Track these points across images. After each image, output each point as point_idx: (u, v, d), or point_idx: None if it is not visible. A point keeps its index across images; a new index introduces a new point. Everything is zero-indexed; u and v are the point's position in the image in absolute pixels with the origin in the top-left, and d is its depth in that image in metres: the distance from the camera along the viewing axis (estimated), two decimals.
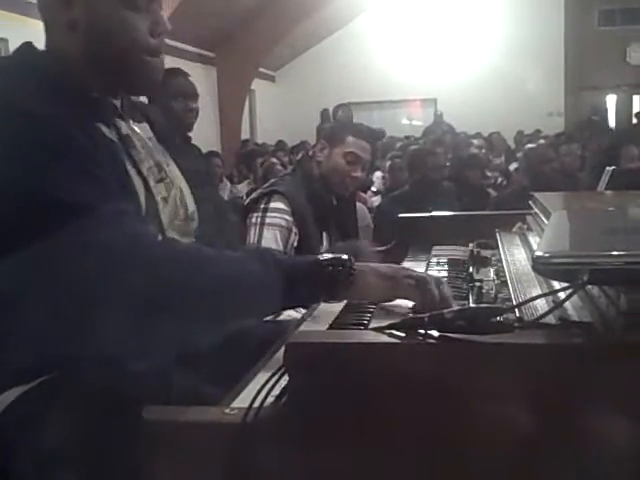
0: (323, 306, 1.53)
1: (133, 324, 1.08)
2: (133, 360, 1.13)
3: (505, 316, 1.16)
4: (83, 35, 1.29)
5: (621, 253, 0.93)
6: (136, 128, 1.40)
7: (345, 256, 1.29)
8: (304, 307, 1.55)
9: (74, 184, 1.13)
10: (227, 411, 1.02)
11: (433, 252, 2.08)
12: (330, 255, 1.29)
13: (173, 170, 1.44)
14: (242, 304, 1.19)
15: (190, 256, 1.20)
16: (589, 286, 1.07)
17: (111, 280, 1.08)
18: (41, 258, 1.07)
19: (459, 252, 2.05)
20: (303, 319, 1.50)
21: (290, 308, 1.51)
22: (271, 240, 2.65)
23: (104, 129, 1.29)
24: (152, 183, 1.33)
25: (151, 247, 1.17)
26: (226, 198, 6.13)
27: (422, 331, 0.99)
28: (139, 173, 1.30)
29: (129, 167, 1.29)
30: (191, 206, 1.44)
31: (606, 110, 14.50)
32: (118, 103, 1.37)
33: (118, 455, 1.13)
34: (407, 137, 10.54)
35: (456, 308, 1.01)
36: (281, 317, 1.58)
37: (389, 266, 1.37)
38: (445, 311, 0.99)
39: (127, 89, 1.38)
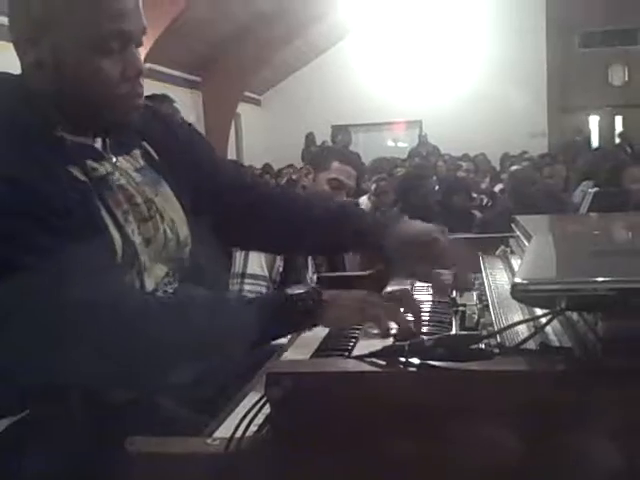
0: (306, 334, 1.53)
1: (112, 373, 1.09)
2: (115, 394, 1.13)
3: (486, 342, 1.17)
4: (51, 77, 1.24)
5: (599, 279, 0.93)
6: (123, 162, 1.35)
7: (312, 288, 1.30)
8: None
9: (36, 243, 1.10)
10: (209, 441, 1.02)
11: None
12: (299, 290, 1.29)
13: (165, 197, 1.40)
14: (213, 350, 1.19)
15: (150, 313, 1.19)
16: (569, 312, 1.08)
17: (87, 337, 1.07)
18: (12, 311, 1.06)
19: (444, 276, 2.05)
20: (288, 345, 1.50)
21: (265, 344, 1.51)
22: (256, 265, 2.64)
23: (76, 172, 1.23)
24: (132, 227, 1.28)
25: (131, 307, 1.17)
26: None
27: (402, 359, 0.99)
28: (113, 218, 1.25)
29: (103, 212, 1.24)
30: (183, 233, 1.41)
31: (589, 131, 14.62)
32: (97, 142, 1.33)
33: None
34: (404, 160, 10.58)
35: (436, 336, 1.01)
36: None
37: (357, 292, 1.36)
38: (425, 339, 1.00)
39: (99, 131, 1.32)
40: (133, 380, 1.13)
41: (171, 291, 1.35)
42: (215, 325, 1.20)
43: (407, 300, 1.37)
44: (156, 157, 1.43)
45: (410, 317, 1.32)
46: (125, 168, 1.34)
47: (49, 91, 1.25)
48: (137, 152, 1.40)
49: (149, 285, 1.29)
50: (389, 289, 1.96)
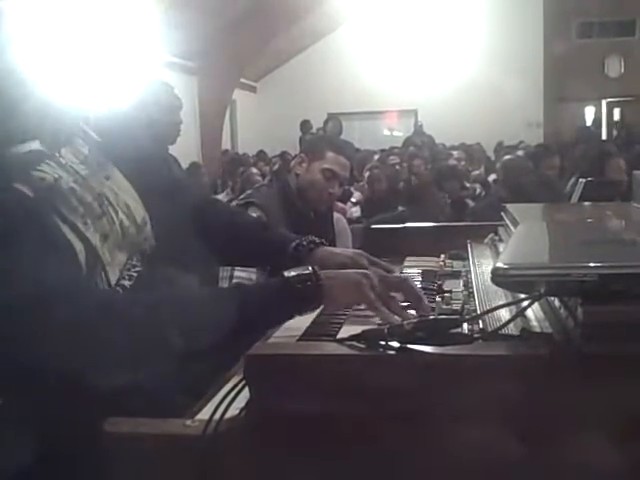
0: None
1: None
2: (95, 373, 1.13)
3: (469, 327, 1.17)
4: None
5: (578, 265, 0.93)
6: (66, 155, 1.28)
7: (310, 269, 1.30)
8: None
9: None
10: (188, 423, 1.02)
11: (406, 263, 2.09)
12: (296, 271, 1.29)
13: (116, 180, 1.37)
14: (202, 338, 1.18)
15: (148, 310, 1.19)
16: (551, 297, 1.08)
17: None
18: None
19: (432, 263, 2.05)
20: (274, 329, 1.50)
21: (264, 331, 1.51)
22: None
23: (21, 188, 1.15)
24: (89, 228, 1.23)
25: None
26: None
27: (382, 342, 0.99)
28: (72, 226, 1.20)
29: (58, 222, 1.18)
30: (140, 215, 1.39)
31: (600, 119, 14.58)
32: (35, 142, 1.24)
33: (80, 469, 1.13)
34: (382, 150, 10.57)
35: (415, 319, 1.01)
36: None
37: (357, 272, 1.36)
38: (405, 322, 1.00)
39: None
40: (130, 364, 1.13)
41: (135, 274, 1.34)
42: (213, 312, 1.20)
43: (407, 287, 1.38)
44: (99, 139, 1.39)
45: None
46: (70, 162, 1.28)
47: None
48: (79, 140, 1.34)
49: (112, 277, 1.27)
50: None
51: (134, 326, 1.13)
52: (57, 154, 1.26)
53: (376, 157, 8.23)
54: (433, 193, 4.95)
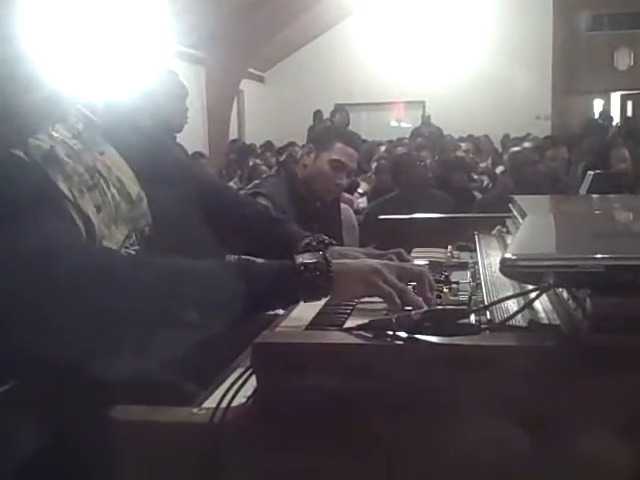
0: (304, 305, 1.53)
1: (76, 328, 1.08)
2: (103, 359, 1.13)
3: (477, 318, 1.17)
4: None
5: (587, 256, 0.93)
6: (59, 130, 1.30)
7: (322, 257, 1.29)
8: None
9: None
10: (195, 411, 1.02)
11: (413, 254, 2.08)
12: (308, 258, 1.29)
13: (110, 157, 1.38)
14: (205, 310, 1.18)
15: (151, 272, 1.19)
16: (560, 289, 1.08)
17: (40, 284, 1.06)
18: None
19: (439, 254, 2.05)
20: (283, 317, 1.51)
21: (266, 311, 1.50)
22: None
23: (19, 153, 1.19)
24: (82, 196, 1.26)
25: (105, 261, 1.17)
26: None
27: (390, 332, 0.99)
28: (63, 193, 1.22)
29: (57, 185, 1.21)
30: (134, 190, 1.40)
31: (608, 112, 14.48)
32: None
33: (87, 455, 1.13)
34: (390, 141, 10.53)
35: (423, 310, 1.01)
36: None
37: (368, 264, 1.34)
38: (413, 312, 1.00)
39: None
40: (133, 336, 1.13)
41: (134, 253, 1.34)
42: (217, 286, 1.20)
43: (422, 280, 1.35)
44: (98, 122, 1.40)
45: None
46: (62, 137, 1.30)
47: None
48: (73, 118, 1.36)
49: None
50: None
51: (135, 292, 1.12)
52: (50, 129, 1.28)
53: (382, 148, 8.19)
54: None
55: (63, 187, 1.23)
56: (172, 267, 1.21)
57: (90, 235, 1.25)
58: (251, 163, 7.56)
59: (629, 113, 14.82)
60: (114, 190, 1.35)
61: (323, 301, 1.51)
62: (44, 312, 1.05)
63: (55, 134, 1.28)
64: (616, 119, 14.40)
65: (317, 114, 12.88)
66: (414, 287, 1.34)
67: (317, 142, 2.94)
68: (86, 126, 1.37)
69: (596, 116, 14.36)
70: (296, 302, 1.43)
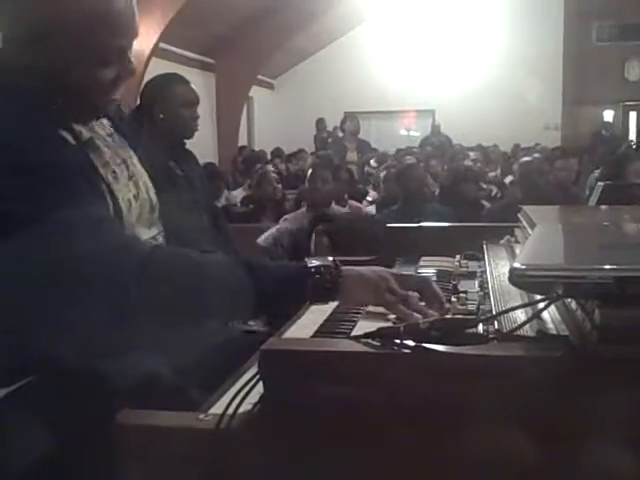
0: (311, 312, 1.54)
1: (118, 327, 1.09)
2: (114, 362, 1.14)
3: (485, 327, 1.17)
4: (44, 75, 1.23)
5: (596, 267, 0.93)
6: (97, 127, 1.38)
7: (332, 262, 1.29)
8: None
9: (44, 196, 1.13)
10: (201, 417, 1.02)
11: (421, 263, 2.08)
12: (318, 262, 1.29)
13: (134, 162, 1.43)
14: (218, 308, 1.20)
15: (179, 262, 1.21)
16: (568, 300, 1.08)
17: (102, 286, 1.08)
18: (25, 268, 1.07)
19: (447, 263, 2.04)
20: (290, 324, 1.51)
21: (274, 312, 1.50)
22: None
23: (65, 135, 1.26)
24: (118, 185, 1.32)
25: (140, 255, 1.18)
26: (222, 204, 6.14)
27: (398, 341, 0.99)
28: (102, 178, 1.29)
29: (96, 170, 1.29)
30: (154, 197, 1.45)
31: (612, 125, 14.43)
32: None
33: (92, 458, 1.13)
34: (399, 150, 10.53)
35: (431, 318, 1.01)
36: None
37: (376, 273, 1.33)
38: (420, 321, 1.00)
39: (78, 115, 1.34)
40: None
41: None
42: (226, 280, 1.20)
43: (428, 289, 1.35)
44: (120, 125, 1.47)
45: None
46: (99, 132, 1.38)
47: (37, 72, 1.24)
48: (104, 121, 1.42)
49: None
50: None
51: (165, 284, 1.15)
52: (93, 122, 1.36)
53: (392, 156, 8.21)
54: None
55: (102, 172, 1.29)
56: (192, 258, 1.22)
57: (120, 225, 1.29)
58: (258, 167, 7.55)
59: (632, 124, 14.75)
60: (143, 189, 1.40)
61: (331, 308, 1.51)
62: (77, 306, 1.06)
63: (96, 127, 1.37)
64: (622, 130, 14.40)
65: (319, 122, 12.91)
66: (420, 295, 1.34)
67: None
68: (114, 130, 1.44)
69: (606, 127, 14.34)
70: (304, 303, 1.44)
